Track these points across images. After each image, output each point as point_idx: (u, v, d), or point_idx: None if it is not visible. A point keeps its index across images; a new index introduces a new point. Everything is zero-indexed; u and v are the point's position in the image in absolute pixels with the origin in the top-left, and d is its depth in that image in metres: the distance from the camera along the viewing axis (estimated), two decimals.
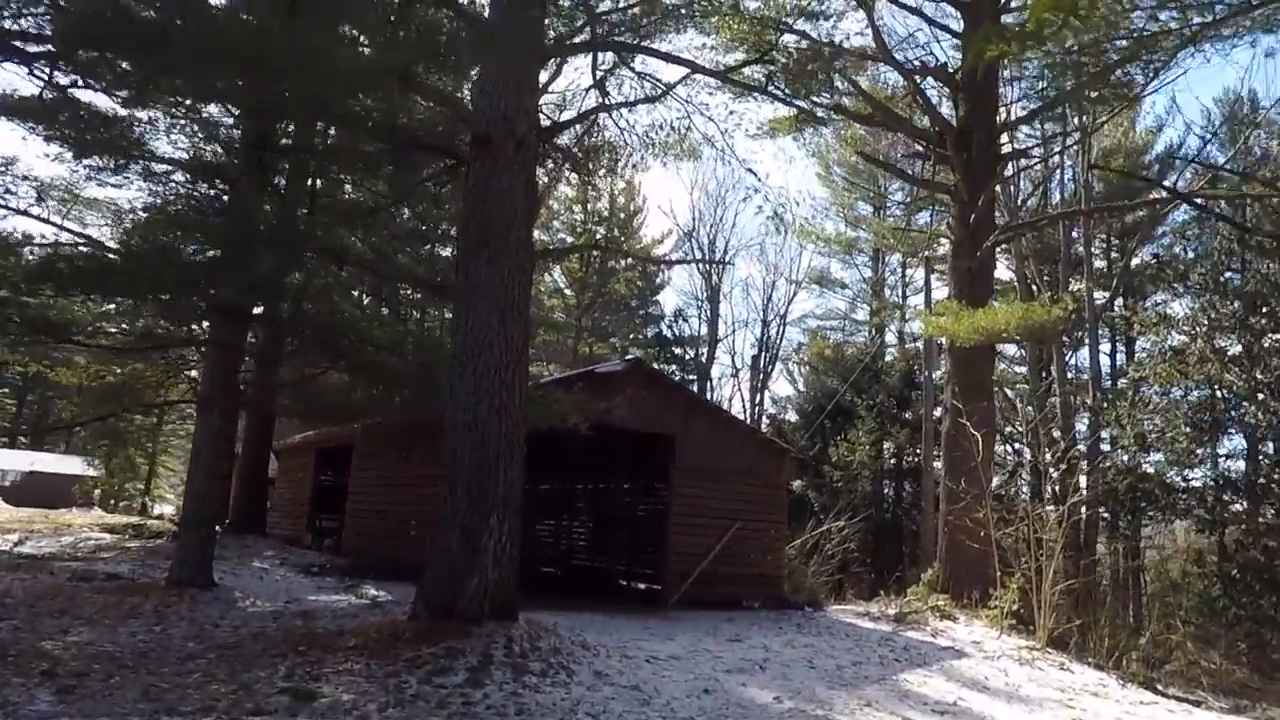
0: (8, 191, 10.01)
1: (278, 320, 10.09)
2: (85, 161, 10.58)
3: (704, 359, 38.71)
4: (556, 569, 20.07)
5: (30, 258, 9.48)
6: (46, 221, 10.46)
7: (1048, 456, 16.18)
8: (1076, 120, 22.13)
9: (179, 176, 11.43)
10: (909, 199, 31.08)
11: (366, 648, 7.12)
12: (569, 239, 40.73)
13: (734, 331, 43.53)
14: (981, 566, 15.62)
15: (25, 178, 11.12)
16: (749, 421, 26.05)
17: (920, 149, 19.08)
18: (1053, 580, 12.90)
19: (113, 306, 11.03)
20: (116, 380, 12.83)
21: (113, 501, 40.06)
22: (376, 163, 10.85)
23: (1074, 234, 24.42)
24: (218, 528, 17.85)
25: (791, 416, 27.58)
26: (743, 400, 36.81)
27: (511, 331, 8.41)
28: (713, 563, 14.27)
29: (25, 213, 10.83)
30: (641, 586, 17.28)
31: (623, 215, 41.89)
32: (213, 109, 10.32)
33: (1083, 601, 14.11)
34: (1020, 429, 20.04)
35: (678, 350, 38.23)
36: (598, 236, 40.62)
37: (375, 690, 6.20)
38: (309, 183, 12.87)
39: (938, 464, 21.98)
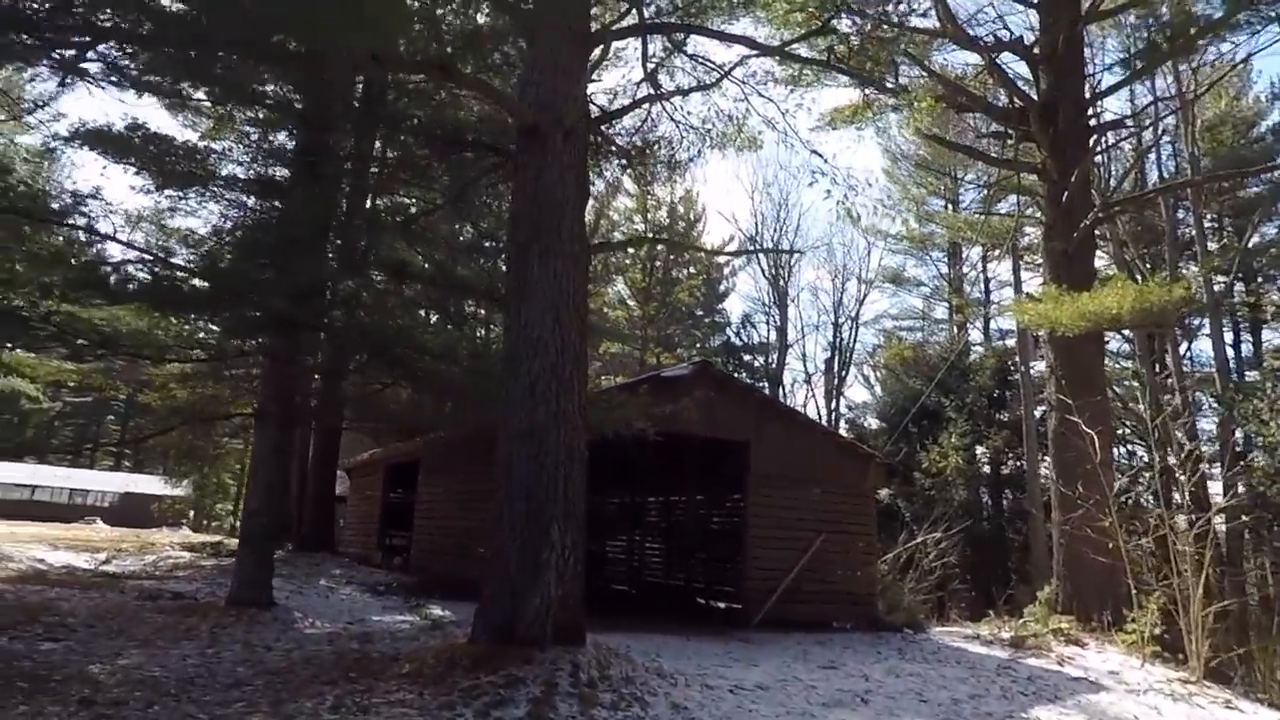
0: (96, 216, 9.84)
1: (327, 328, 9.64)
2: (167, 191, 10.37)
3: (774, 365, 37.45)
4: (629, 587, 19.23)
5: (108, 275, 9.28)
6: (128, 245, 10.26)
7: (1171, 459, 14.47)
8: (1174, 88, 20.32)
9: (247, 199, 11.23)
10: (987, 186, 29.31)
11: (421, 675, 6.41)
12: (630, 251, 40.23)
13: (804, 336, 41.97)
14: (1108, 583, 13.99)
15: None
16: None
17: (999, 129, 17.70)
18: (1203, 600, 11.22)
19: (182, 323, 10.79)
20: (184, 398, 12.69)
21: (205, 521, 41.26)
22: (427, 167, 10.34)
23: (1178, 214, 22.44)
24: (287, 546, 17.83)
25: (871, 422, 26.13)
26: (817, 407, 35.38)
27: (568, 330, 7.66)
28: (797, 579, 13.19)
29: (112, 237, 10.62)
30: (720, 605, 16.27)
31: (683, 224, 41.13)
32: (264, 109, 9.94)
33: (1237, 625, 12.42)
34: (1132, 428, 18.25)
35: (746, 357, 37.12)
36: (659, 246, 40.03)
37: None
38: (366, 197, 12.50)
39: (1044, 468, 20.31)
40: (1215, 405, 20.92)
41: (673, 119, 12.26)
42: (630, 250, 37.65)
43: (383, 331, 9.80)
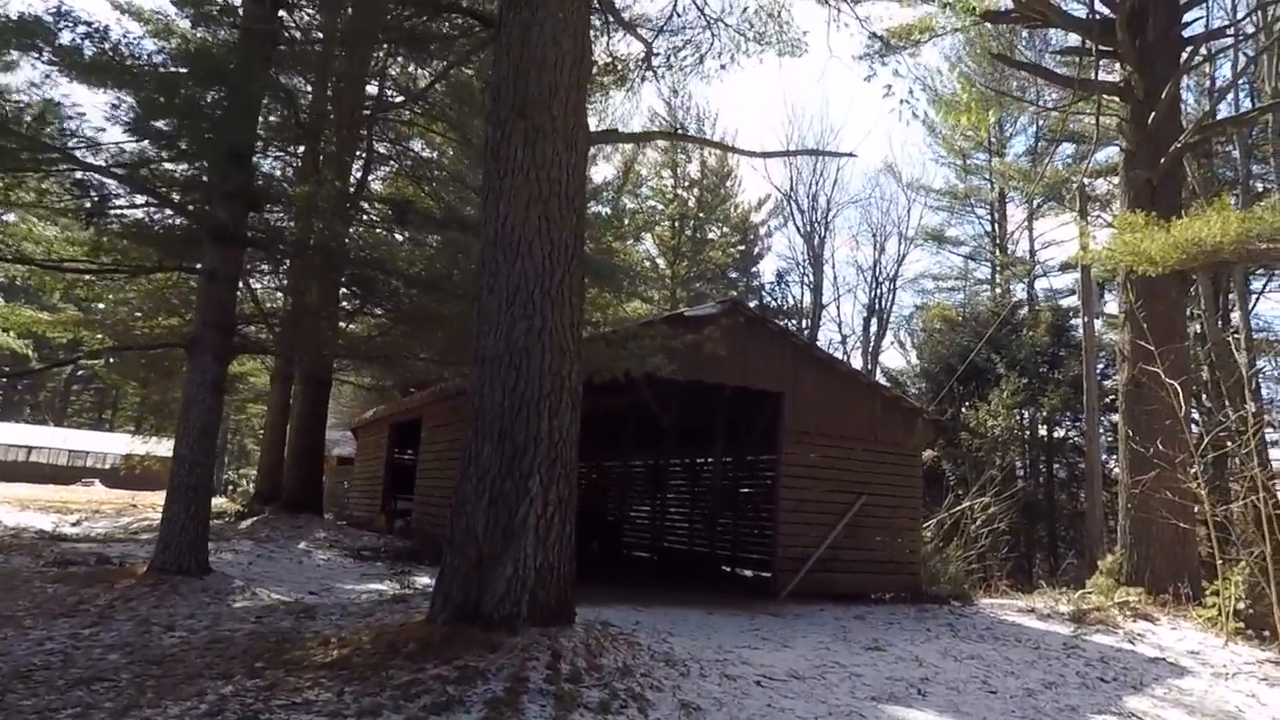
0: None
1: (275, 244, 8.19)
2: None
3: (808, 328, 35.73)
4: (651, 554, 17.86)
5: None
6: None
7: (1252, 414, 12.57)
8: None
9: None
10: (1047, 128, 26.97)
11: (349, 665, 5.00)
12: (659, 206, 38.45)
13: (839, 297, 40.18)
14: (1181, 552, 12.36)
15: None
16: None
17: (1075, 45, 15.59)
18: None
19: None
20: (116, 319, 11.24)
21: (229, 485, 40.69)
22: (406, 42, 8.72)
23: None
24: (267, 508, 16.68)
25: (913, 386, 24.34)
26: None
27: (558, 230, 6.10)
28: (833, 546, 11.66)
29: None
30: (748, 574, 14.83)
31: (715, 177, 39.19)
32: None
33: None
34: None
35: (780, 320, 35.35)
36: (689, 202, 38.15)
37: None
38: (328, 87, 10.91)
39: (1104, 431, 18.48)
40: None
41: (705, 16, 10.53)
42: (643, 148, 35.19)
43: (347, 250, 8.31)
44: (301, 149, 10.67)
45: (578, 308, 6.14)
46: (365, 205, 13.56)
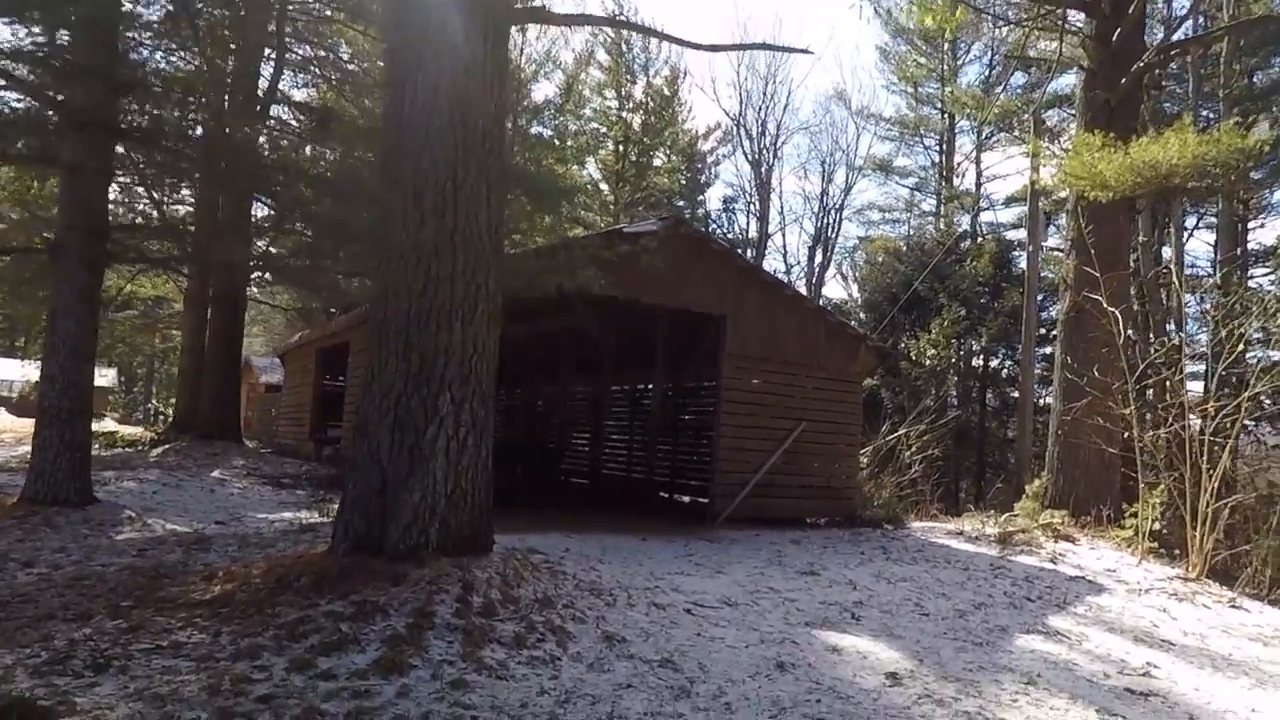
0: None
1: (152, 135, 7.19)
2: None
3: (754, 258, 35.37)
4: (591, 481, 17.60)
5: None
6: None
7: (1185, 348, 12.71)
8: None
9: None
10: (1003, 47, 26.43)
11: (231, 602, 4.48)
12: (602, 129, 37.12)
13: (785, 227, 39.85)
14: (1104, 476, 12.60)
15: None
16: None
17: None
18: (1216, 492, 9.77)
19: None
20: None
21: (153, 414, 38.96)
22: None
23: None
24: (180, 436, 15.74)
25: (857, 313, 24.29)
26: None
27: (473, 116, 5.38)
28: (771, 472, 11.48)
29: None
30: (686, 500, 14.68)
31: (661, 100, 37.84)
32: None
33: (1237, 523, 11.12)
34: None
35: None
36: (634, 125, 36.89)
37: (196, 683, 3.54)
38: None
39: (1040, 362, 18.72)
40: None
41: None
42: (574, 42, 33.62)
43: (245, 148, 7.41)
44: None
45: (496, 206, 5.49)
46: (280, 112, 12.42)
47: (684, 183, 39.04)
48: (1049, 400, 20.09)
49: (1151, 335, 16.87)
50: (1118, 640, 6.29)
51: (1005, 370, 20.35)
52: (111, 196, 12.22)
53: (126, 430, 18.81)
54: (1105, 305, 11.12)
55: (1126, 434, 10.61)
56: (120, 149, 7.67)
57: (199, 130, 7.50)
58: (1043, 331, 17.89)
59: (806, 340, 12.09)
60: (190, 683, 3.60)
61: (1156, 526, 10.66)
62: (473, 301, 5.31)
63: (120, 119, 6.99)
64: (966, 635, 5.91)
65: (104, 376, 31.14)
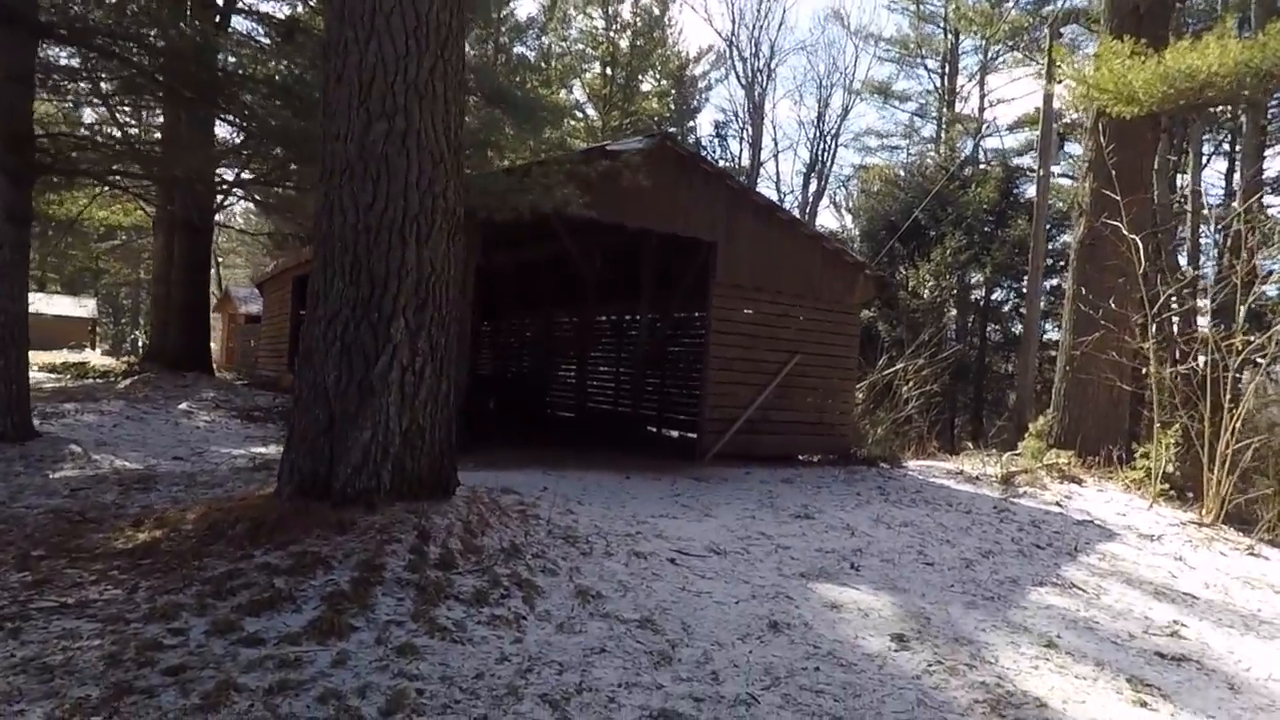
0: None
1: (89, 39, 6.34)
2: None
3: (747, 184, 34.29)
4: (577, 416, 17.14)
5: None
6: None
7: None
8: None
9: None
10: None
11: (155, 552, 3.95)
12: (588, 49, 35.46)
13: (779, 154, 38.66)
14: (1113, 414, 12.18)
15: None
16: None
17: None
18: (1235, 433, 9.30)
19: None
20: None
21: (124, 346, 38.22)
22: None
23: None
24: (151, 367, 15.10)
25: (852, 244, 23.50)
26: None
27: (425, 1, 4.62)
28: (763, 408, 11.00)
29: None
30: (674, 435, 14.25)
31: (649, 18, 36.10)
32: None
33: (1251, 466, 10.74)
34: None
35: None
36: (621, 45, 35.21)
37: (96, 651, 3.03)
38: None
39: (1046, 294, 18.06)
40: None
41: None
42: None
43: (189, 51, 6.56)
44: None
45: (455, 104, 4.76)
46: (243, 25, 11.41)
47: (674, 108, 37.65)
48: (1054, 335, 19.66)
49: (1165, 267, 16.25)
50: (1138, 594, 5.88)
51: (1009, 303, 19.78)
52: (55, 108, 11.27)
53: (100, 361, 18.14)
54: (1125, 232, 10.48)
55: (1144, 369, 10.09)
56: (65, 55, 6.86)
57: (153, 37, 6.66)
58: (1049, 262, 17.24)
59: (802, 268, 11.46)
60: (89, 649, 3.09)
61: (1170, 469, 10.23)
62: (429, 215, 4.64)
63: (40, 14, 6.14)
64: (976, 588, 5.48)
65: (84, 307, 30.30)
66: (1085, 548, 7.38)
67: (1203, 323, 15.97)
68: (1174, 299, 10.88)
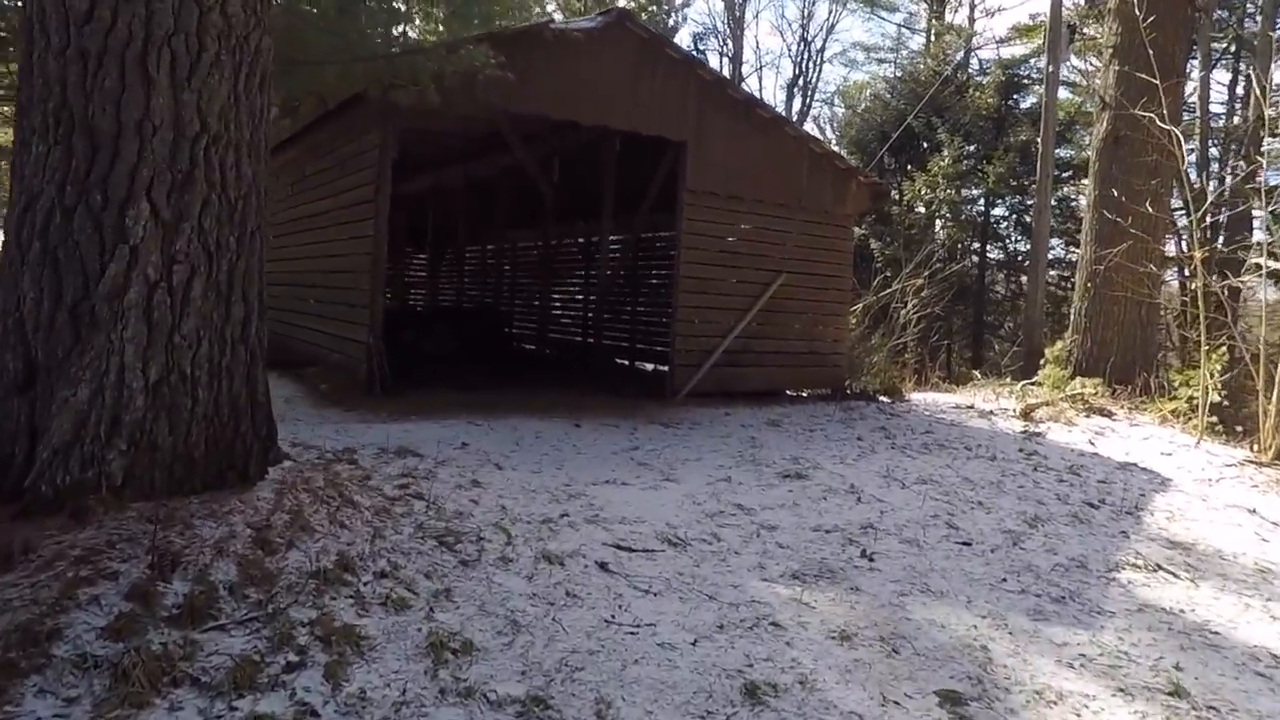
0: None
1: None
2: None
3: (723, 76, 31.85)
4: (542, 348, 15.43)
5: None
6: None
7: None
8: None
9: None
10: None
11: None
12: None
13: (761, 69, 36.15)
14: (1141, 336, 10.65)
15: None
16: None
17: None
18: None
19: None
20: None
21: None
22: None
23: None
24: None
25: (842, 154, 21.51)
26: None
27: None
28: (744, 336, 9.35)
29: None
30: (649, 368, 12.58)
31: None
32: None
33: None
34: None
35: None
36: None
37: None
38: None
39: (1055, 204, 16.31)
40: None
41: None
42: None
43: None
44: None
45: None
46: None
47: (652, 9, 34.84)
48: (1060, 253, 18.03)
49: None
50: (1238, 573, 4.37)
51: (1010, 219, 18.04)
52: None
53: None
54: (1160, 123, 8.76)
55: (1191, 282, 8.53)
56: None
57: None
58: (1055, 173, 15.46)
59: (786, 174, 9.65)
60: None
61: (1215, 398, 8.74)
62: (195, 36, 2.83)
63: None
64: (1036, 582, 3.93)
65: None
66: (1143, 504, 5.88)
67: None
68: (1224, 198, 9.21)
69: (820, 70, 32.98)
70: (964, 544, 4.41)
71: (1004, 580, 3.90)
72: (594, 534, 3.79)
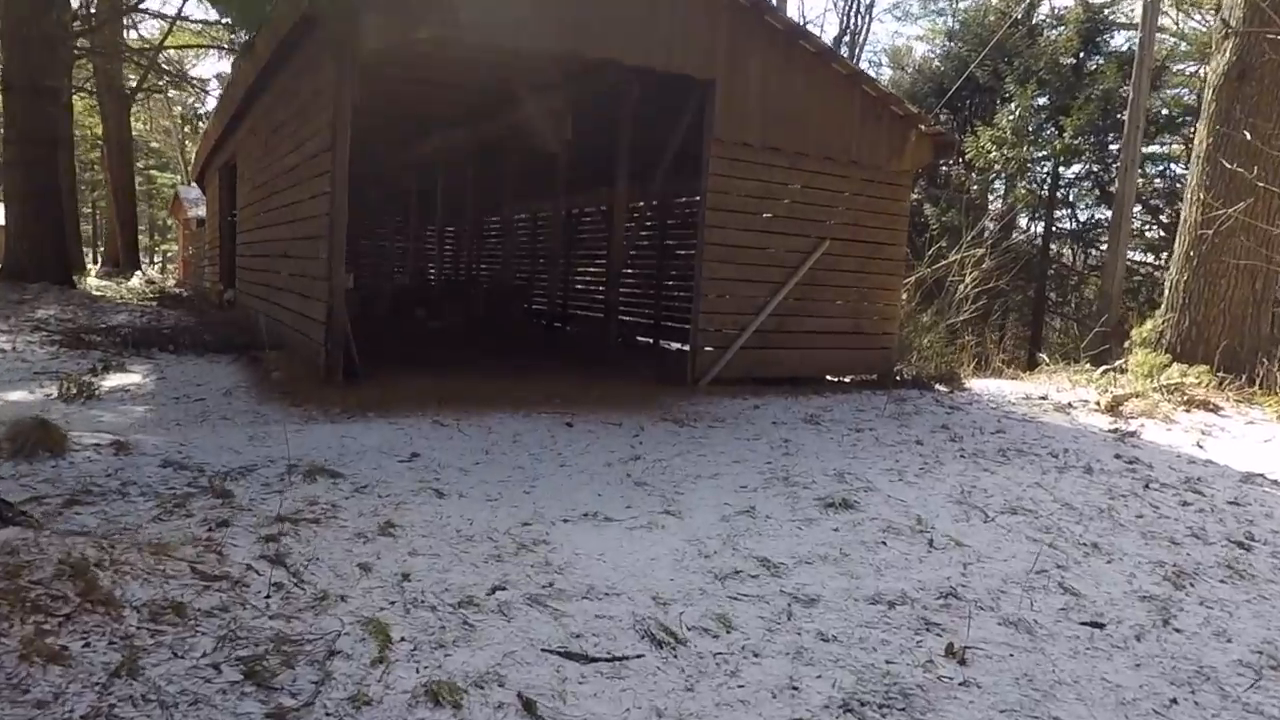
0: None
1: None
2: None
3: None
4: (559, 323, 14.16)
5: None
6: None
7: None
8: None
9: None
10: None
11: None
12: None
13: (806, 25, 33.90)
14: (1252, 315, 9.02)
15: None
16: None
17: None
18: None
19: None
20: None
21: None
22: None
23: None
24: None
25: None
26: None
27: None
28: (778, 314, 7.97)
29: None
30: (674, 347, 11.23)
31: None
32: None
33: None
34: None
35: None
36: None
37: None
38: None
39: (1143, 163, 14.34)
40: None
41: None
42: None
43: None
44: None
45: None
46: None
47: None
48: (1139, 223, 16.11)
49: None
50: None
51: (1084, 182, 16.05)
52: None
53: None
54: None
55: None
56: None
57: None
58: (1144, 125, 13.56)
59: (833, 120, 8.17)
60: None
61: None
62: None
63: None
64: (1224, 704, 2.55)
65: None
66: None
67: None
68: None
69: (869, 26, 30.72)
70: (1093, 625, 3.01)
71: (1173, 703, 2.52)
72: (535, 627, 2.48)
